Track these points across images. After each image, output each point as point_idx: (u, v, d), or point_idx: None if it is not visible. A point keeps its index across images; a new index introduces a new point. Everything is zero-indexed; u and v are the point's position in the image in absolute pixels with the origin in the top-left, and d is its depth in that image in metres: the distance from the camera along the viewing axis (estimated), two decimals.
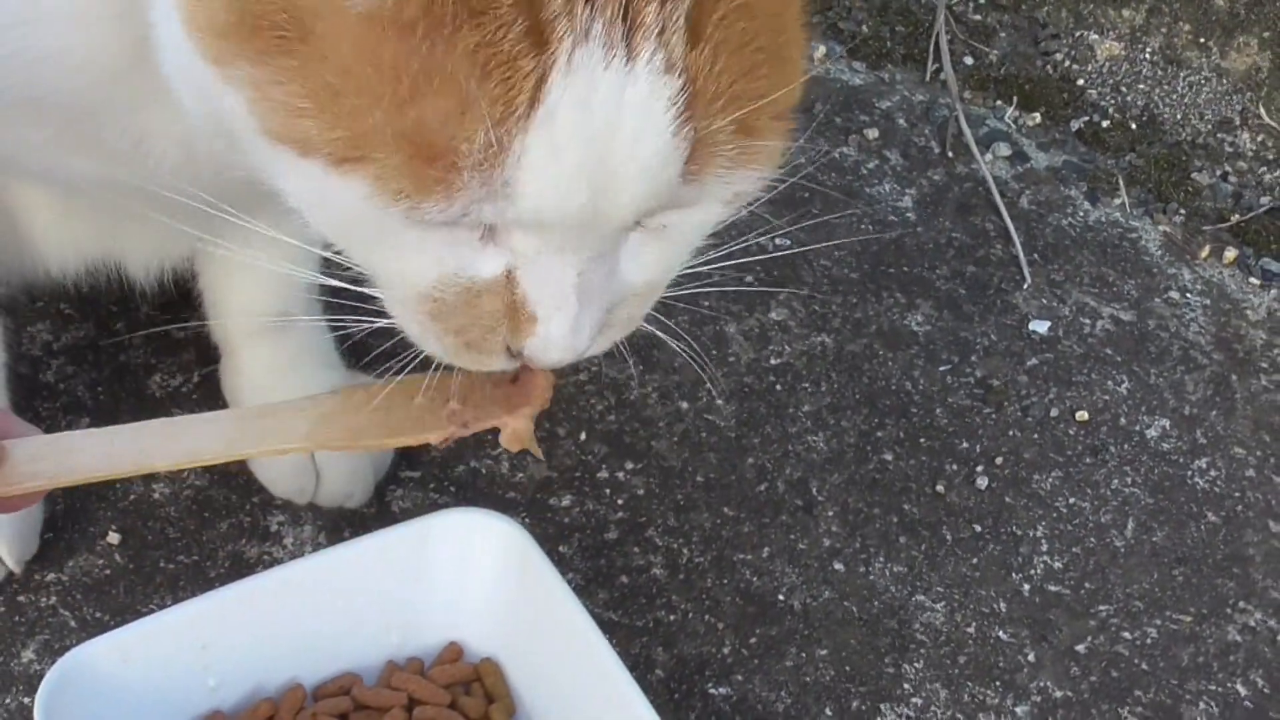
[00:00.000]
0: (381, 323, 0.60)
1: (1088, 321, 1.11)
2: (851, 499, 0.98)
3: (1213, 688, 0.92)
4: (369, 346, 0.93)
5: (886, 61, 1.30)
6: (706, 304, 1.06)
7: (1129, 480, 1.01)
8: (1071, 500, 1.00)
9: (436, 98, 0.49)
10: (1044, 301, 1.12)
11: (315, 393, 0.89)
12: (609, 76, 0.49)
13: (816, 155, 1.19)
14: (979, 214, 1.17)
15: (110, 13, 0.59)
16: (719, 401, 1.02)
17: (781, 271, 1.10)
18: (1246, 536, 0.99)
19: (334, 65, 0.49)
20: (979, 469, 1.01)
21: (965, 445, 1.02)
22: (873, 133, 1.22)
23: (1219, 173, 1.25)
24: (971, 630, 0.93)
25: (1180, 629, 0.94)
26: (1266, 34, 1.28)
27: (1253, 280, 1.16)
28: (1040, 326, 1.10)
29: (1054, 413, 1.05)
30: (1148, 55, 1.31)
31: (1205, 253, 1.18)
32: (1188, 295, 1.14)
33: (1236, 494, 1.02)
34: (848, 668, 0.90)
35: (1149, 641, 0.93)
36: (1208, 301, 1.14)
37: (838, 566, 0.95)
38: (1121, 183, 1.22)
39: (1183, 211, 1.21)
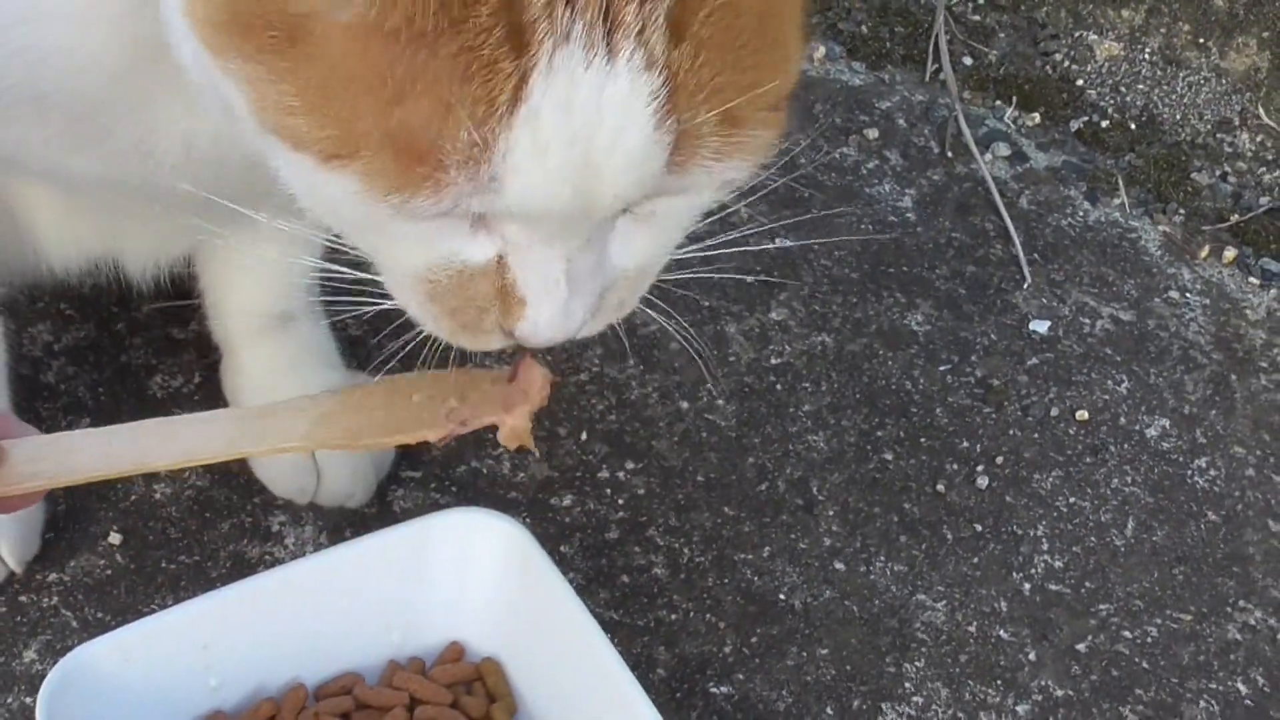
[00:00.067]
0: (386, 305, 0.61)
1: (1087, 321, 1.11)
2: (852, 498, 0.98)
3: (1213, 686, 0.92)
4: (369, 346, 0.93)
5: (886, 62, 1.30)
6: (707, 304, 1.06)
7: (1129, 480, 1.02)
8: (1072, 500, 1.00)
9: (420, 99, 0.50)
10: (1044, 301, 1.12)
11: (315, 392, 0.89)
12: (590, 76, 0.50)
13: (816, 155, 1.19)
14: (979, 214, 1.18)
15: (115, 12, 0.60)
16: (719, 401, 1.02)
17: (781, 271, 1.10)
18: (1246, 535, 0.99)
19: (322, 68, 0.50)
20: (979, 468, 1.01)
21: (965, 445, 1.02)
22: (872, 133, 1.22)
23: (1218, 173, 1.25)
24: (972, 629, 0.93)
25: (1180, 628, 0.94)
26: (1266, 34, 1.28)
27: (1252, 280, 1.16)
28: (1040, 326, 1.10)
29: (1054, 412, 1.05)
30: (1147, 55, 1.31)
31: (1205, 253, 1.18)
32: (1187, 295, 1.14)
33: (1236, 493, 1.02)
34: (849, 667, 0.90)
35: (1149, 640, 0.93)
36: (1207, 301, 1.14)
37: (838, 566, 0.95)
38: (1121, 183, 1.22)
39: (1182, 211, 1.21)
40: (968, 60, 1.31)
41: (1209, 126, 1.27)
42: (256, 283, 0.91)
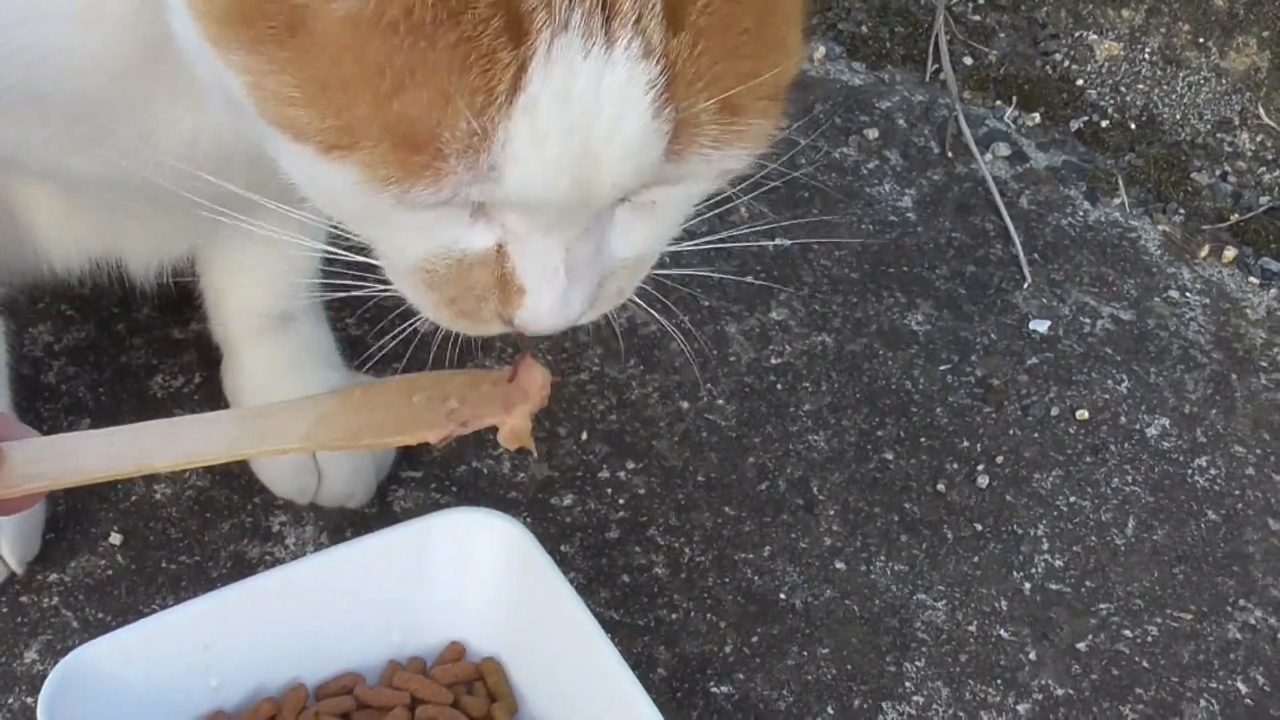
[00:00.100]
0: (379, 290, 0.61)
1: (1088, 321, 1.11)
2: (852, 498, 0.98)
3: (1213, 685, 0.92)
4: (369, 347, 0.93)
5: (886, 62, 1.30)
6: (707, 304, 1.06)
7: (1129, 479, 1.02)
8: (1072, 499, 1.00)
9: (420, 90, 0.50)
10: (1044, 301, 1.12)
11: (316, 393, 0.89)
12: (588, 65, 0.50)
13: (816, 156, 1.19)
14: (979, 214, 1.18)
15: (116, 12, 0.60)
16: (719, 401, 1.02)
17: (782, 271, 1.10)
18: (1246, 535, 1.00)
19: (321, 59, 0.51)
20: (979, 468, 1.01)
21: (966, 444, 1.02)
22: (872, 133, 1.22)
23: (1218, 172, 1.25)
24: (973, 629, 0.93)
25: (1181, 627, 0.94)
26: (1265, 34, 1.28)
27: (1252, 279, 1.17)
28: (1040, 326, 1.10)
29: (1054, 412, 1.05)
30: (1147, 55, 1.31)
31: (1205, 252, 1.18)
32: (1187, 294, 1.14)
33: (1236, 492, 1.02)
34: (849, 666, 0.90)
35: (1150, 639, 0.94)
36: (1207, 301, 1.14)
37: (839, 565, 0.95)
38: (1121, 182, 1.22)
39: (1182, 211, 1.21)
40: (968, 60, 1.31)
41: (1209, 126, 1.27)
42: (257, 283, 0.91)
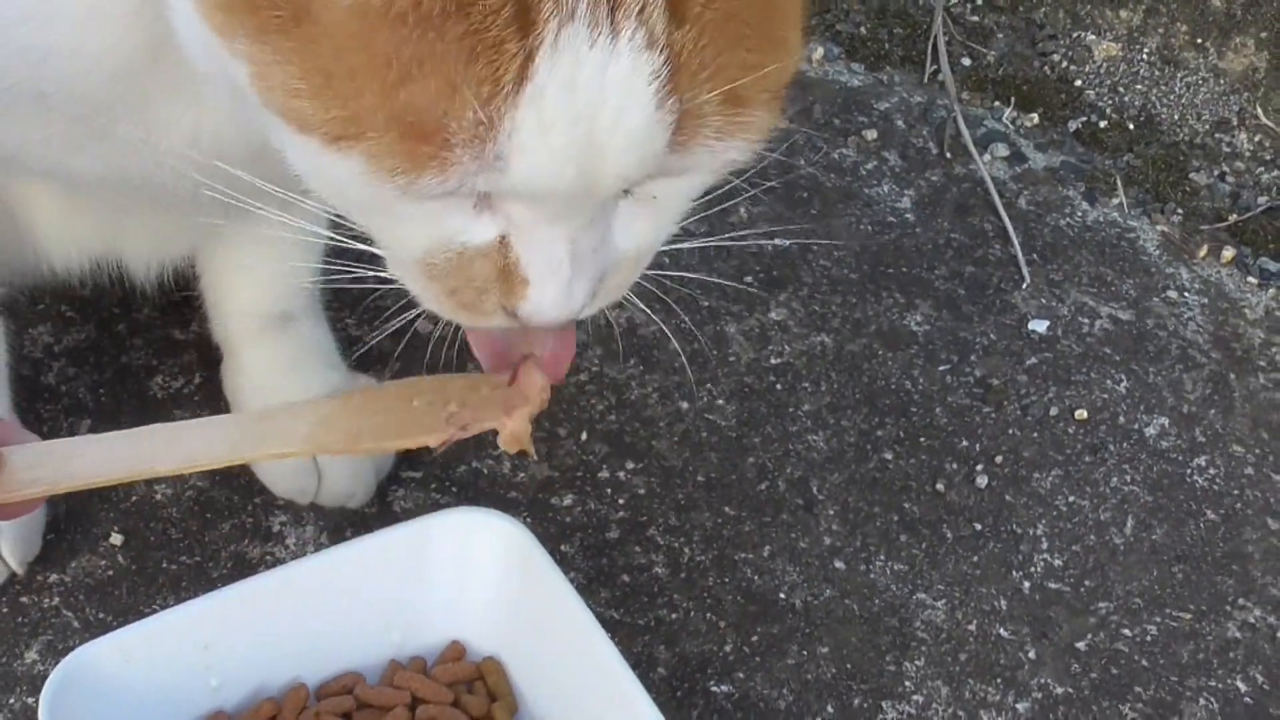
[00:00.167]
0: (370, 274, 0.61)
1: (1086, 321, 1.11)
2: (852, 498, 0.98)
3: (1213, 684, 0.92)
4: (370, 348, 0.93)
5: (885, 63, 1.30)
6: (707, 304, 1.06)
7: (1128, 478, 1.02)
8: (1071, 498, 1.00)
9: (427, 80, 0.50)
10: (1043, 301, 1.12)
11: (317, 393, 0.90)
12: (594, 55, 0.51)
13: (815, 156, 1.19)
14: (977, 214, 1.18)
15: (118, 11, 0.60)
16: (719, 401, 1.02)
17: (781, 272, 1.10)
18: (1245, 534, 1.00)
19: (327, 49, 0.51)
20: (979, 468, 1.01)
21: (965, 444, 1.02)
22: (871, 134, 1.23)
23: (1216, 173, 1.25)
24: (972, 628, 0.93)
25: (1180, 626, 0.94)
26: (1263, 34, 1.28)
27: (1250, 279, 1.17)
28: (1039, 326, 1.10)
29: (1053, 411, 1.05)
30: (1145, 56, 1.31)
31: (1203, 252, 1.18)
32: (1186, 294, 1.15)
33: (1235, 492, 1.02)
34: (849, 665, 0.90)
35: (1149, 638, 0.94)
36: (1206, 301, 1.14)
37: (838, 565, 0.95)
38: (1119, 183, 1.23)
39: (1180, 211, 1.21)
40: (966, 61, 1.31)
41: (1207, 126, 1.27)
42: (257, 283, 0.91)
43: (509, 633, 0.82)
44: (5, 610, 0.87)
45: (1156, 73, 1.30)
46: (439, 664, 0.82)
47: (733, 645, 0.90)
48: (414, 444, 0.69)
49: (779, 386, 1.04)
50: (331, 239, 0.62)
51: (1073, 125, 1.27)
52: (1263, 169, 1.25)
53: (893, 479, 1.00)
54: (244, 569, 0.90)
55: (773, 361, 1.05)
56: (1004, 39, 1.33)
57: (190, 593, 0.88)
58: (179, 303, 0.99)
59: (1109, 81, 1.30)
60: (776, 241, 1.12)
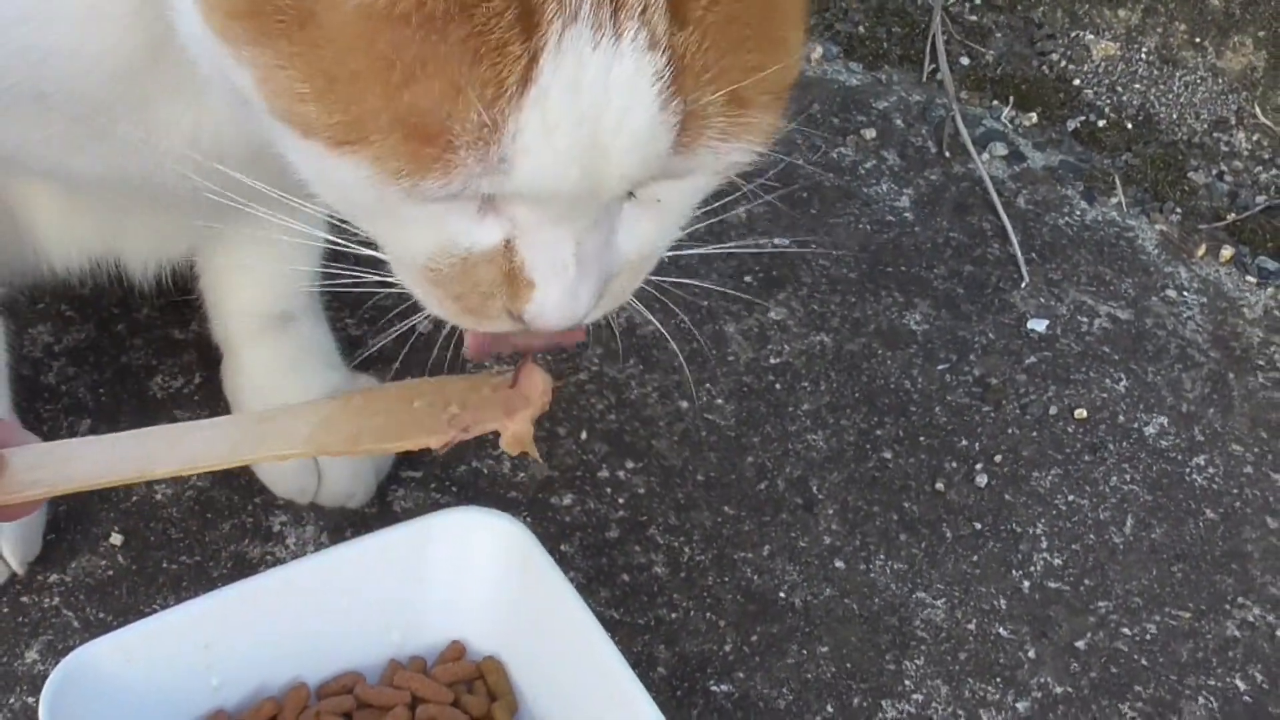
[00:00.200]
0: (373, 277, 0.61)
1: (1085, 320, 1.11)
2: (851, 497, 0.98)
3: (1212, 683, 0.92)
4: (369, 347, 0.93)
5: (883, 62, 1.30)
6: (706, 303, 1.06)
7: (1127, 477, 1.02)
8: (1070, 497, 1.00)
9: (431, 82, 0.50)
10: (1042, 300, 1.12)
11: (317, 393, 0.90)
12: (597, 56, 0.51)
13: (814, 156, 1.19)
14: (976, 213, 1.18)
15: (118, 11, 0.60)
16: (719, 400, 1.02)
17: (780, 271, 1.10)
18: (1244, 533, 1.00)
19: (330, 53, 0.51)
20: (978, 467, 1.01)
21: (964, 443, 1.02)
22: (870, 133, 1.23)
23: (1215, 172, 1.25)
24: (972, 627, 0.93)
25: (1179, 625, 0.95)
26: (1262, 33, 1.28)
27: (1249, 278, 1.17)
28: (1038, 325, 1.10)
29: (1052, 411, 1.05)
30: (1143, 55, 1.31)
31: (1202, 251, 1.18)
32: (1185, 294, 1.15)
33: (1234, 491, 1.02)
34: (849, 664, 0.90)
35: (1148, 637, 0.94)
36: (1204, 300, 1.14)
37: (838, 564, 0.95)
38: (1118, 182, 1.23)
39: (1179, 210, 1.22)
40: (965, 60, 1.31)
41: (1205, 126, 1.28)
42: (256, 283, 0.91)
43: (509, 632, 0.82)
44: (5, 610, 0.87)
45: (1155, 72, 1.30)
46: (439, 663, 0.82)
47: (732, 644, 0.90)
48: (415, 445, 0.69)
49: (778, 386, 1.04)
50: (333, 244, 0.62)
51: (1071, 124, 1.27)
52: (1261, 168, 1.25)
53: (892, 478, 1.00)
54: (244, 569, 0.90)
55: (772, 361, 1.05)
56: (1002, 38, 1.33)
57: (190, 592, 0.88)
58: (178, 302, 0.99)
59: (1107, 81, 1.30)
60: (775, 241, 1.12)
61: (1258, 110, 1.27)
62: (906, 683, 0.90)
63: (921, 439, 1.02)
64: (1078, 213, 1.20)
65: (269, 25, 0.51)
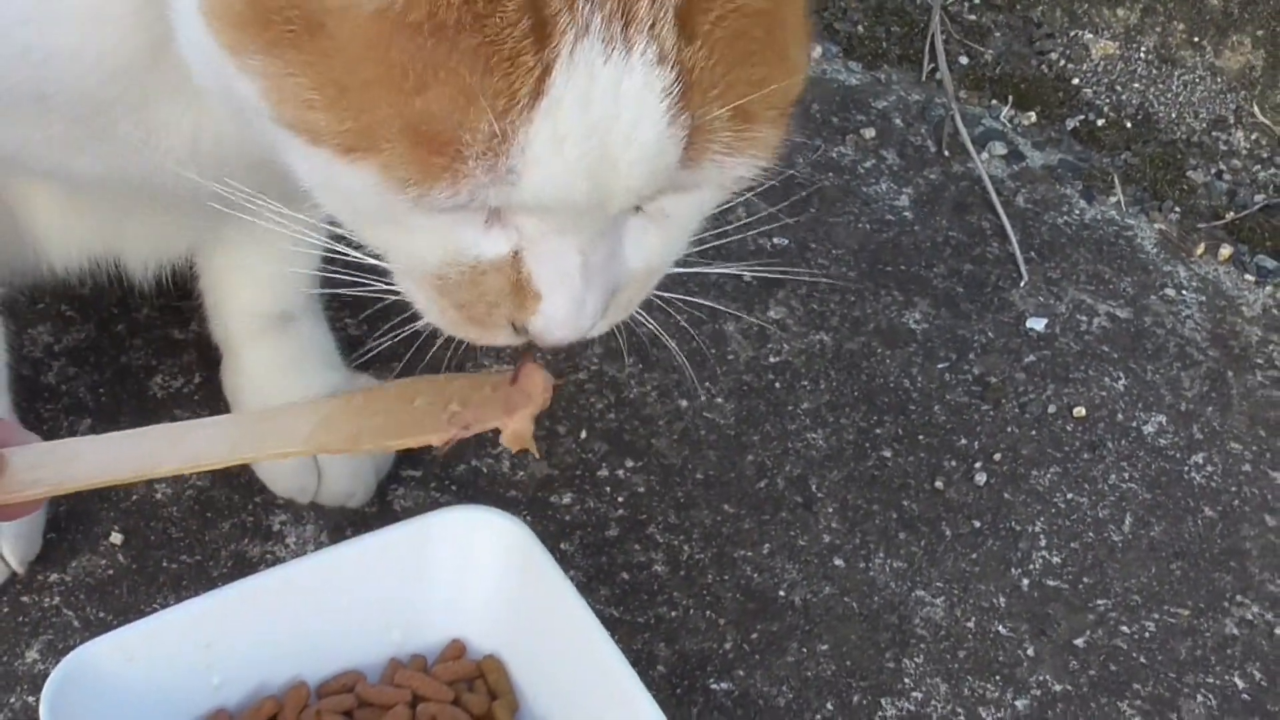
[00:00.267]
0: (379, 287, 0.61)
1: (1084, 319, 1.12)
2: (851, 495, 0.98)
3: (1211, 681, 0.92)
4: (369, 347, 0.93)
5: (882, 61, 1.30)
6: (705, 303, 1.06)
7: (1126, 476, 1.02)
8: (1069, 496, 1.00)
9: (442, 91, 0.50)
10: (1041, 299, 1.12)
11: (317, 393, 0.90)
12: (608, 70, 0.51)
13: (813, 155, 1.19)
14: (975, 212, 1.18)
15: (119, 13, 0.60)
16: (718, 399, 1.02)
17: (780, 270, 1.10)
18: (1243, 531, 1.00)
19: (341, 61, 0.51)
20: (977, 465, 1.01)
21: (964, 442, 1.02)
22: (869, 132, 1.23)
23: (1214, 171, 1.25)
24: (971, 625, 0.93)
25: (1178, 623, 0.95)
26: (1260, 32, 1.28)
27: (1248, 277, 1.17)
28: (1037, 324, 1.11)
29: (1051, 409, 1.05)
30: (1142, 54, 1.31)
31: (1200, 250, 1.18)
32: (1183, 292, 1.15)
33: (1233, 489, 1.02)
34: (848, 663, 0.90)
35: (1147, 635, 0.94)
36: (1203, 298, 1.14)
37: (838, 562, 0.95)
38: (1117, 181, 1.23)
39: (1178, 209, 1.22)
40: (964, 60, 1.31)
41: (1204, 125, 1.28)
42: (257, 283, 0.91)
43: (509, 631, 0.82)
44: (6, 610, 0.87)
45: (1154, 71, 1.30)
46: (439, 662, 0.82)
47: (732, 643, 0.90)
48: (416, 444, 0.69)
49: (778, 385, 1.04)
50: (336, 253, 0.62)
51: (1070, 124, 1.28)
52: (1260, 167, 1.26)
53: (891, 477, 1.00)
54: (244, 568, 0.90)
55: (771, 360, 1.05)
56: (1001, 37, 1.33)
57: (191, 592, 0.88)
58: (178, 302, 0.99)
59: (1106, 80, 1.31)
60: (775, 240, 1.12)
61: (1256, 109, 1.28)
62: (906, 681, 0.90)
63: (921, 437, 1.02)
64: (1077, 212, 1.20)
65: (278, 35, 0.51)
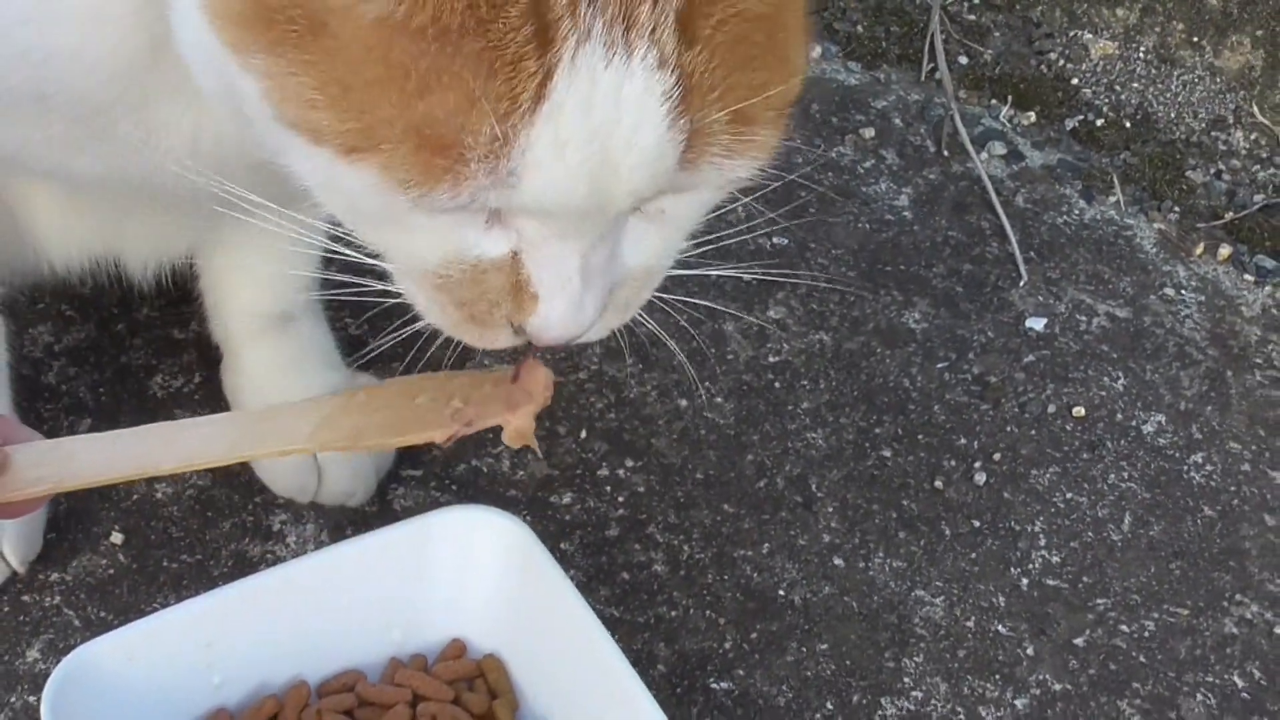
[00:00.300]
0: (377, 286, 0.61)
1: (1084, 318, 1.12)
2: (850, 495, 0.98)
3: (1210, 680, 0.92)
4: (369, 346, 0.93)
5: (882, 61, 1.30)
6: (704, 302, 1.06)
7: (1125, 475, 1.02)
8: (1069, 495, 1.00)
9: (445, 94, 0.50)
10: (1040, 299, 1.12)
11: (317, 393, 0.90)
12: (609, 74, 0.51)
13: (813, 155, 1.19)
14: (975, 212, 1.18)
15: (119, 13, 0.60)
16: (718, 399, 1.02)
17: (779, 270, 1.11)
18: (1242, 530, 1.00)
19: (344, 61, 0.51)
20: (977, 465, 1.01)
21: (963, 441, 1.02)
22: (869, 132, 1.23)
23: (1213, 170, 1.25)
24: (971, 624, 0.93)
25: (1178, 622, 0.95)
26: (1259, 32, 1.29)
27: (1247, 277, 1.17)
28: (1037, 323, 1.11)
29: (1051, 409, 1.05)
30: (1141, 54, 1.31)
31: (1200, 250, 1.19)
32: (1183, 292, 1.15)
33: (1232, 488, 1.02)
34: (848, 662, 0.90)
35: (1147, 634, 0.94)
36: (1202, 298, 1.15)
37: (837, 562, 0.95)
38: (1116, 181, 1.23)
39: (1177, 209, 1.22)
40: (963, 59, 1.31)
41: (1203, 125, 1.28)
42: (257, 283, 0.91)
43: (509, 630, 0.82)
44: (7, 609, 0.87)
45: (1153, 71, 1.30)
46: (440, 661, 0.83)
47: (732, 642, 0.91)
48: (418, 440, 0.69)
49: (777, 384, 1.04)
50: (336, 253, 0.62)
51: (1070, 123, 1.28)
52: (1259, 167, 1.26)
53: (891, 476, 1.00)
54: (245, 567, 0.90)
55: (771, 360, 1.05)
56: (1001, 37, 1.33)
57: (191, 591, 0.88)
58: (178, 302, 0.99)
59: (1106, 80, 1.31)
60: (774, 240, 1.13)
61: (1255, 109, 1.28)
62: (906, 680, 0.90)
63: (920, 437, 1.02)
64: (1076, 211, 1.20)
65: (281, 34, 0.51)
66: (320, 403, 0.71)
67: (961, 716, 0.89)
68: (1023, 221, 1.18)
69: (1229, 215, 1.22)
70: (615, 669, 0.76)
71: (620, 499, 0.96)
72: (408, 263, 0.59)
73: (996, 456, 1.02)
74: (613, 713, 0.77)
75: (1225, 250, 1.18)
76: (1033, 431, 1.04)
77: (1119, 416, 1.05)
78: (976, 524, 0.98)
